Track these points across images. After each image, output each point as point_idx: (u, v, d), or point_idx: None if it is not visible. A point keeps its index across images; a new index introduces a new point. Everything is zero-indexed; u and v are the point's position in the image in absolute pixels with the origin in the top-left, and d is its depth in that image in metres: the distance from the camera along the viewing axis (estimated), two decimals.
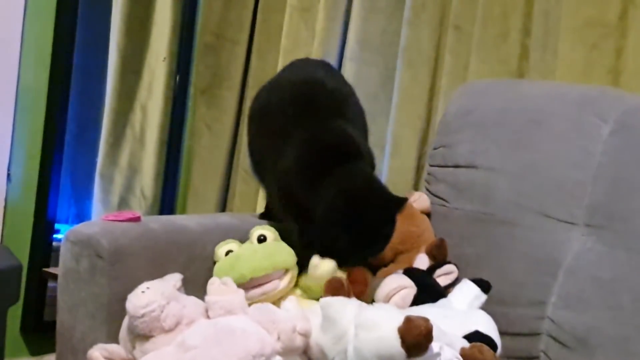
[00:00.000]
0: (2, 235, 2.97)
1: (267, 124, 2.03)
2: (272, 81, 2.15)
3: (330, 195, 1.80)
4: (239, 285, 1.77)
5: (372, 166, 1.99)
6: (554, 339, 1.94)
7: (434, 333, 1.47)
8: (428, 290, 1.94)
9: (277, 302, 1.78)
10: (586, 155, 2.05)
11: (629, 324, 1.84)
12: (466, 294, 1.89)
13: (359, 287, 1.79)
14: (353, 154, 1.87)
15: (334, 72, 2.17)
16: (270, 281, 1.86)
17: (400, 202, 1.82)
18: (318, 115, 1.94)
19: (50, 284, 3.01)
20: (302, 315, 1.68)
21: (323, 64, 2.23)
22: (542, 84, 2.39)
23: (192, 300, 1.72)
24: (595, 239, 1.98)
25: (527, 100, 2.25)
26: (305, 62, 2.28)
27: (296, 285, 1.93)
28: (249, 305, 1.71)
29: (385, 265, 2.13)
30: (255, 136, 2.12)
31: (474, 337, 1.70)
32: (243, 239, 1.99)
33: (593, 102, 2.12)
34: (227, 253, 1.93)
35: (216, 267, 1.92)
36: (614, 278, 1.90)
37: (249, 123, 2.15)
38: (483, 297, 1.89)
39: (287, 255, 1.91)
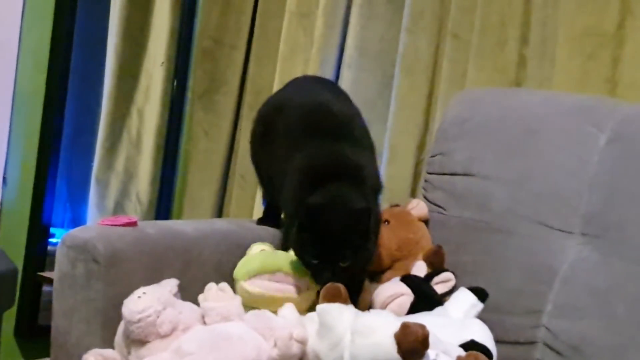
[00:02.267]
0: None
1: (274, 139, 2.07)
2: (280, 99, 2.17)
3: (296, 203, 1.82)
4: (265, 273, 1.82)
5: (376, 186, 1.99)
6: (550, 347, 1.94)
7: (430, 340, 1.47)
8: (425, 298, 1.94)
9: (274, 310, 1.77)
10: (582, 164, 2.06)
11: (624, 333, 1.84)
12: (463, 303, 1.89)
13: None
14: (346, 174, 1.87)
15: (340, 93, 2.18)
16: (295, 285, 1.85)
17: (365, 214, 1.78)
18: (323, 137, 1.95)
19: (45, 288, 3.01)
20: (298, 322, 1.68)
21: (330, 85, 2.29)
22: (539, 93, 2.39)
23: (188, 306, 1.72)
24: (591, 248, 1.98)
25: (524, 109, 2.26)
26: (313, 82, 2.31)
27: None
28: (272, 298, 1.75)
29: (383, 272, 2.13)
30: (261, 143, 2.16)
31: (470, 346, 1.70)
32: (240, 244, 1.99)
33: (590, 112, 2.13)
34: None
35: (244, 259, 1.93)
36: (610, 287, 1.90)
37: (257, 126, 2.19)
38: (480, 305, 1.89)
39: None
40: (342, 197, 1.81)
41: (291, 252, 1.87)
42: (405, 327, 1.47)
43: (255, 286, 1.83)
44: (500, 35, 2.57)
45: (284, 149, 1.99)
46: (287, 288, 1.84)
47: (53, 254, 1.87)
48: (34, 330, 3.03)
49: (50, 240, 3.13)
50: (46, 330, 1.87)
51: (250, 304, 1.79)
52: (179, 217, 3.43)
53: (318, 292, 1.80)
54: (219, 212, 3.32)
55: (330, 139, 1.95)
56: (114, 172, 3.45)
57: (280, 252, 1.92)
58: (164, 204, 3.46)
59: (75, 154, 3.44)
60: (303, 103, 2.07)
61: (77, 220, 3.53)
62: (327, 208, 1.78)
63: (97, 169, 3.44)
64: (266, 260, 1.88)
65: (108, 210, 3.43)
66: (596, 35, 2.38)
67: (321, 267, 1.78)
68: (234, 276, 1.88)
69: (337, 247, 1.76)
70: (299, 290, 1.85)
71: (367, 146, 2.06)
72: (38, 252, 3.05)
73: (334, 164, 1.89)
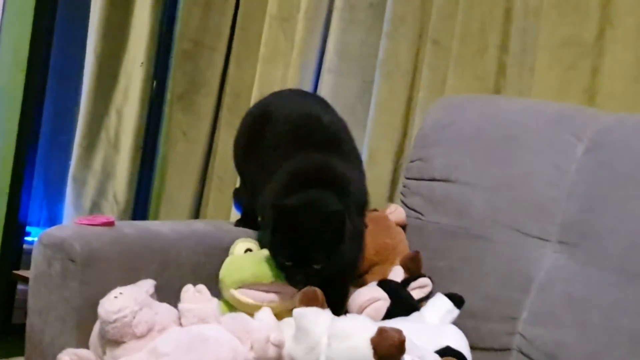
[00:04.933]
0: None
1: (261, 149, 2.07)
2: (267, 109, 2.15)
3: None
4: (254, 284, 1.82)
5: (362, 201, 2.00)
6: (525, 354, 1.95)
7: (407, 345, 1.47)
8: (401, 303, 1.95)
9: (250, 313, 1.76)
10: (560, 173, 2.07)
11: (599, 341, 1.84)
12: (439, 308, 1.89)
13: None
14: (329, 184, 1.87)
15: (328, 106, 2.17)
16: (282, 293, 1.85)
17: (339, 217, 1.79)
18: (313, 148, 1.97)
19: (20, 286, 2.99)
20: (275, 325, 1.68)
21: (318, 98, 2.30)
22: (518, 101, 2.40)
23: (165, 307, 1.71)
24: (568, 256, 1.99)
25: (503, 117, 2.27)
26: (301, 94, 2.33)
27: None
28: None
29: (360, 276, 2.13)
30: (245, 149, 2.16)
31: (446, 352, 1.70)
32: (218, 246, 1.99)
33: (568, 121, 2.14)
34: (245, 252, 1.94)
35: (231, 260, 1.92)
36: (585, 296, 1.91)
37: (243, 133, 2.19)
38: (456, 312, 1.89)
39: None
40: (317, 201, 1.81)
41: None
42: (382, 331, 1.48)
43: (246, 296, 1.84)
44: (481, 43, 2.58)
45: (273, 159, 1.99)
46: (278, 297, 1.85)
47: (28, 253, 1.86)
48: (7, 328, 3.01)
49: (26, 238, 3.12)
50: (20, 328, 1.86)
51: (242, 310, 1.79)
52: (155, 218, 3.42)
53: None
54: (196, 214, 3.32)
55: (320, 150, 1.96)
56: (91, 171, 3.43)
57: (268, 256, 1.87)
58: (141, 205, 3.45)
59: (52, 152, 3.42)
60: (293, 114, 2.07)
61: (53, 219, 3.51)
62: (300, 210, 1.78)
63: (74, 167, 3.42)
64: (259, 270, 1.85)
65: (85, 210, 3.41)
66: (576, 45, 2.40)
67: (294, 270, 1.78)
68: (220, 278, 1.88)
69: (309, 250, 1.77)
70: (290, 297, 1.85)
71: (355, 160, 2.08)
72: (13, 251, 3.03)
73: (319, 173, 1.90)
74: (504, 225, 2.10)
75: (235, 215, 2.46)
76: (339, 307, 1.86)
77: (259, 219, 2.12)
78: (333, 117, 2.11)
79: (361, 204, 1.99)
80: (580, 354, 1.86)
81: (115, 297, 1.65)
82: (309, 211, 1.78)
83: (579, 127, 2.11)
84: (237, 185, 2.29)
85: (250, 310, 1.79)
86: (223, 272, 1.89)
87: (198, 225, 2.18)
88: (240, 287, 1.84)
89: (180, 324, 1.68)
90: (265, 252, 1.87)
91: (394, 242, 2.20)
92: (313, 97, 2.36)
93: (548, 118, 2.18)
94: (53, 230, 1.81)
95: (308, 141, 1.99)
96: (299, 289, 1.78)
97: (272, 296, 1.84)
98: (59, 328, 1.75)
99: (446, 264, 2.15)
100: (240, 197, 2.29)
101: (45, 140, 3.23)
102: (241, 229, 2.16)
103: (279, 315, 1.80)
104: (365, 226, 2.13)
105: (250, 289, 1.84)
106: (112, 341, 1.63)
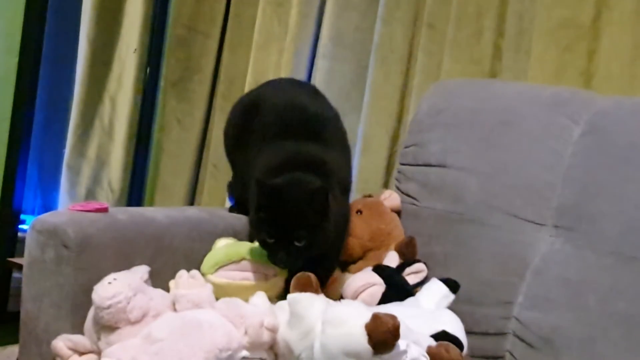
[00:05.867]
0: None
1: (249, 138, 2.07)
2: (256, 99, 2.15)
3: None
4: (230, 263, 1.84)
5: (344, 183, 2.00)
6: (520, 338, 1.95)
7: (401, 331, 1.47)
8: (396, 289, 1.94)
9: (245, 299, 1.76)
10: (556, 157, 2.07)
11: (595, 325, 1.85)
12: (434, 294, 1.89)
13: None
14: (309, 167, 1.87)
15: (318, 96, 2.17)
16: (261, 272, 1.86)
17: (321, 193, 1.78)
18: (295, 137, 1.97)
19: (15, 274, 2.99)
20: (269, 310, 1.67)
21: (308, 87, 2.29)
22: (514, 85, 2.39)
23: (159, 292, 1.71)
24: (563, 240, 1.99)
25: (498, 101, 2.27)
26: (291, 84, 2.30)
27: None
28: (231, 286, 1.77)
29: (355, 262, 2.13)
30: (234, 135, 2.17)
31: (441, 336, 1.70)
32: (211, 232, 2.00)
33: (564, 104, 2.14)
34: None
35: (210, 252, 1.94)
36: (581, 279, 1.91)
37: (232, 123, 2.20)
38: (451, 296, 1.89)
39: None
40: (299, 179, 1.82)
41: (256, 242, 1.87)
42: (376, 317, 1.47)
43: (221, 277, 1.84)
44: (476, 27, 2.58)
45: (259, 149, 2.00)
46: (253, 276, 1.85)
47: (23, 241, 1.85)
48: (3, 316, 3.01)
49: (21, 226, 3.11)
50: (15, 316, 1.85)
51: (221, 295, 1.78)
52: (150, 205, 3.43)
53: (287, 279, 1.81)
54: (191, 201, 3.32)
55: (301, 139, 1.96)
56: (85, 159, 3.43)
57: (244, 242, 1.92)
58: (135, 192, 3.45)
59: (46, 140, 3.42)
60: (279, 103, 2.07)
61: (48, 206, 3.51)
62: (283, 188, 1.78)
63: (68, 155, 3.42)
64: (229, 251, 1.89)
65: (79, 197, 3.41)
66: (572, 28, 2.39)
67: (277, 247, 1.78)
68: (201, 272, 1.86)
69: (292, 226, 1.77)
70: (266, 277, 1.86)
71: (339, 147, 2.07)
72: (8, 238, 3.03)
73: (298, 158, 1.90)
74: (500, 210, 2.09)
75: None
76: (323, 279, 1.87)
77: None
78: (320, 106, 2.10)
79: (344, 184, 2.00)
80: (576, 338, 1.86)
81: (110, 283, 1.64)
82: (293, 188, 1.78)
83: (575, 110, 2.11)
84: (231, 176, 2.27)
85: (229, 292, 1.78)
86: (202, 266, 1.89)
87: (192, 211, 2.17)
88: (216, 271, 1.85)
89: (175, 310, 1.67)
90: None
91: (388, 228, 2.20)
92: (303, 86, 2.34)
93: (544, 101, 2.18)
94: (46, 217, 1.80)
95: (291, 130, 1.99)
96: (281, 268, 1.83)
97: (245, 274, 1.85)
98: (54, 314, 1.74)
99: (441, 249, 2.15)
100: (233, 187, 2.29)
101: (39, 128, 3.22)
102: (234, 215, 2.16)
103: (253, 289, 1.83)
104: (360, 212, 2.13)
105: (224, 269, 1.85)
106: (106, 327, 1.63)
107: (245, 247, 1.89)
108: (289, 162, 1.88)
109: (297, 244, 1.77)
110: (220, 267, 1.85)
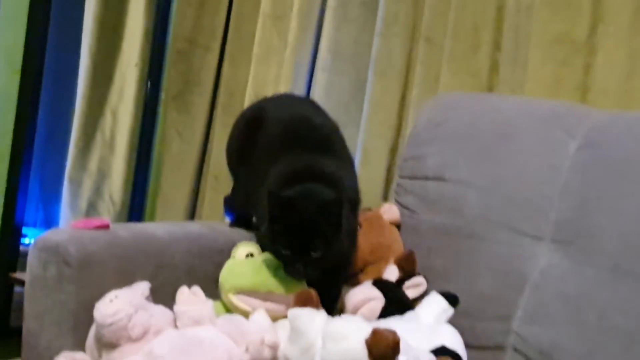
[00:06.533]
0: None
1: (253, 153, 2.09)
2: (259, 113, 2.16)
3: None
4: (252, 292, 1.83)
5: (353, 199, 2.00)
6: (519, 353, 1.95)
7: (401, 346, 1.48)
8: (396, 303, 1.95)
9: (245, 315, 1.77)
10: (553, 171, 2.07)
11: (594, 340, 1.84)
12: (434, 308, 1.90)
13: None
14: (321, 180, 1.88)
15: (319, 109, 2.19)
16: (285, 304, 1.84)
17: (336, 205, 1.80)
18: (304, 149, 1.98)
19: (17, 289, 2.99)
20: (270, 327, 1.69)
21: (309, 101, 2.33)
22: (511, 99, 2.41)
23: (160, 309, 1.72)
24: (562, 255, 1.99)
25: (496, 115, 2.27)
26: (292, 98, 2.36)
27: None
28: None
29: (355, 276, 2.14)
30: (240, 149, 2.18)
31: (441, 351, 1.71)
32: (212, 247, 2.01)
33: (561, 118, 2.15)
34: (247, 256, 1.94)
35: (232, 264, 1.93)
36: (580, 294, 1.91)
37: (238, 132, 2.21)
38: (450, 311, 1.90)
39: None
40: (314, 190, 1.83)
41: (273, 263, 1.87)
42: (376, 333, 1.48)
43: (243, 303, 1.84)
44: (474, 40, 2.59)
45: (264, 162, 2.00)
46: (276, 307, 1.84)
47: (25, 254, 1.86)
48: (5, 331, 3.01)
49: (23, 240, 3.12)
50: (18, 331, 1.86)
51: (234, 312, 1.80)
52: (151, 217, 3.43)
53: None
54: (192, 213, 3.32)
55: (310, 151, 1.97)
56: (87, 172, 3.44)
57: (271, 266, 1.88)
58: (137, 205, 3.46)
59: (48, 153, 3.43)
60: (284, 117, 2.09)
61: (50, 220, 3.52)
62: (298, 199, 1.80)
63: (70, 168, 3.43)
64: (258, 279, 1.85)
65: (81, 210, 3.42)
66: (568, 42, 2.40)
67: (293, 258, 1.79)
68: (220, 281, 1.88)
69: (308, 237, 1.78)
70: (288, 307, 1.85)
71: (347, 160, 2.09)
72: (10, 253, 3.04)
73: (311, 171, 1.90)
74: (498, 224, 2.10)
75: None
76: (330, 307, 1.87)
77: (254, 219, 2.13)
78: (324, 119, 2.12)
79: (353, 202, 2.00)
80: (575, 352, 1.86)
81: (111, 300, 1.66)
82: (307, 199, 1.80)
83: (571, 124, 2.11)
84: (230, 190, 2.28)
85: (246, 315, 1.79)
86: (223, 276, 1.89)
87: (192, 226, 2.18)
88: (238, 294, 1.85)
89: (176, 326, 1.68)
90: (266, 257, 1.89)
91: (388, 241, 2.20)
92: (304, 100, 2.39)
93: (541, 116, 2.18)
94: (48, 234, 1.81)
95: (299, 143, 2.00)
96: (298, 279, 1.83)
97: (268, 304, 1.83)
98: (55, 332, 1.75)
99: (440, 263, 2.15)
100: (232, 202, 2.30)
101: (41, 142, 3.23)
102: (235, 230, 2.17)
103: (274, 319, 1.81)
104: (360, 226, 2.14)
105: (248, 296, 1.84)
106: (108, 344, 1.64)
107: (272, 276, 1.86)
108: (300, 174, 1.88)
109: (313, 254, 1.78)
110: (244, 292, 1.85)
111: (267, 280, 1.85)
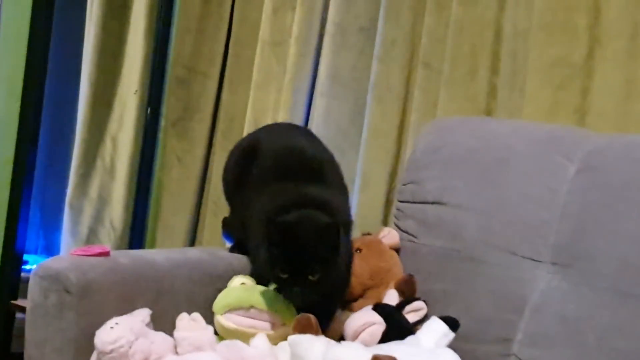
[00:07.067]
0: None
1: (247, 183, 2.11)
2: (254, 144, 2.19)
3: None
4: (240, 309, 1.86)
5: (345, 222, 2.02)
6: None
7: None
8: (397, 327, 1.95)
9: (246, 340, 1.78)
10: (552, 195, 2.08)
11: None
12: (434, 332, 1.89)
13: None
14: (313, 206, 1.91)
15: (314, 139, 2.22)
16: (268, 321, 1.88)
17: (333, 228, 1.83)
18: (295, 180, 2.01)
19: (19, 315, 2.99)
20: (270, 352, 1.69)
21: (304, 131, 2.38)
22: (509, 123, 2.41)
23: (161, 336, 1.73)
24: (561, 277, 1.99)
25: (494, 139, 2.28)
26: (287, 128, 2.37)
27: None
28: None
29: (355, 300, 2.14)
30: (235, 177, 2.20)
31: None
32: (212, 274, 2.03)
33: (559, 142, 2.15)
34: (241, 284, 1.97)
35: (224, 290, 1.96)
36: (579, 316, 1.91)
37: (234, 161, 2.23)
38: (451, 335, 1.89)
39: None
40: (310, 215, 1.86)
41: (268, 288, 1.90)
42: (375, 359, 1.48)
43: (229, 321, 1.87)
44: (471, 65, 2.59)
45: (258, 192, 2.03)
46: (260, 324, 1.86)
47: (26, 281, 1.87)
48: (6, 357, 3.01)
49: (23, 267, 3.12)
50: (19, 357, 1.86)
51: (227, 337, 1.80)
52: (152, 243, 3.43)
53: None
54: (192, 239, 3.33)
55: (301, 181, 2.00)
56: (87, 198, 3.45)
57: (258, 287, 1.93)
58: (137, 231, 3.46)
59: (48, 180, 3.44)
60: (278, 146, 2.13)
61: (50, 246, 3.52)
62: (295, 224, 1.82)
63: (70, 195, 3.43)
64: (241, 296, 1.90)
65: (81, 237, 3.42)
66: (565, 66, 2.41)
67: (290, 282, 1.81)
68: (213, 309, 1.90)
69: (305, 261, 1.80)
70: (273, 327, 1.87)
71: (338, 188, 2.12)
72: (11, 280, 3.04)
73: (303, 199, 1.93)
74: (497, 247, 2.10)
75: None
76: (325, 320, 1.90)
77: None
78: (317, 150, 2.15)
79: (346, 224, 2.02)
80: None
81: (112, 327, 1.66)
82: (305, 224, 1.83)
83: (569, 148, 2.12)
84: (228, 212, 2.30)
85: (235, 336, 1.81)
86: (215, 303, 1.92)
87: (192, 253, 2.19)
88: (225, 313, 1.88)
89: (176, 353, 1.69)
90: (257, 285, 1.92)
91: (388, 266, 2.21)
92: (299, 130, 2.40)
93: (539, 139, 2.19)
94: (49, 262, 1.81)
95: (291, 172, 2.03)
96: (296, 304, 1.85)
97: (252, 322, 1.86)
98: (57, 359, 1.76)
99: (440, 287, 2.15)
100: (231, 227, 2.31)
101: (41, 168, 3.25)
102: (235, 255, 2.18)
103: (272, 342, 1.81)
104: (360, 250, 2.15)
105: (233, 313, 1.87)
106: None
107: (255, 293, 1.90)
108: (295, 202, 1.91)
109: (311, 278, 1.80)
110: (231, 310, 1.88)
111: (251, 296, 1.89)
